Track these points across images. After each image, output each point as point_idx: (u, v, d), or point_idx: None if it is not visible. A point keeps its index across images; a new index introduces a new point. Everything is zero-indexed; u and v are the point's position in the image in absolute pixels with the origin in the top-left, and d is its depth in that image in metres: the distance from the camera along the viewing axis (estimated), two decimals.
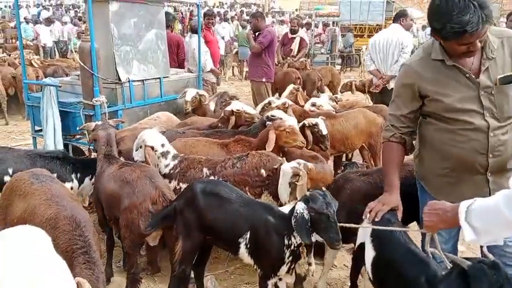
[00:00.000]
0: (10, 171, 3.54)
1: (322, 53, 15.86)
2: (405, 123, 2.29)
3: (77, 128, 4.50)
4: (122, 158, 3.57)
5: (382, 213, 2.26)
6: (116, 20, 4.89)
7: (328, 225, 2.30)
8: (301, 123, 4.32)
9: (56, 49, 16.61)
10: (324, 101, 5.56)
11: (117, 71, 4.92)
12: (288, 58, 9.30)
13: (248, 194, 3.23)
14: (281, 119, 4.04)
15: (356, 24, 18.24)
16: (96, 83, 4.53)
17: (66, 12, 22.96)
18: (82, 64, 4.50)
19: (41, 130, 4.91)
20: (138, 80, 5.18)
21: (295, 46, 9.54)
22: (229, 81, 14.17)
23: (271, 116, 4.12)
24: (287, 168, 3.09)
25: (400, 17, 6.15)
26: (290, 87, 6.00)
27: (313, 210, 2.32)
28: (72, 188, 3.71)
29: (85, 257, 2.25)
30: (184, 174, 3.40)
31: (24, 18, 17.08)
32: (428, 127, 2.28)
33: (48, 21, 16.94)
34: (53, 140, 4.58)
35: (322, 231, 2.34)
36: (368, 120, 4.87)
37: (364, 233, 2.53)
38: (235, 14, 24.56)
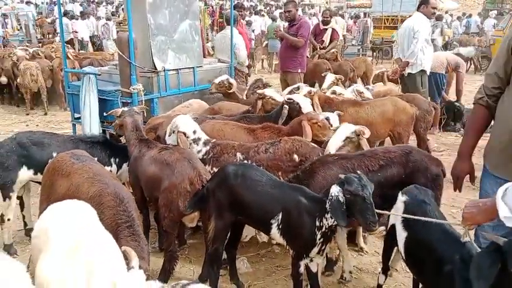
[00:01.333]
0: (54, 154, 3.72)
1: (353, 45, 15.63)
2: (497, 83, 2.28)
3: (104, 114, 4.69)
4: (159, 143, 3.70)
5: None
6: (152, 10, 5.02)
7: (364, 207, 2.32)
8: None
9: (90, 43, 17.09)
10: (339, 88, 5.55)
11: (153, 60, 5.05)
12: (319, 50, 9.22)
13: (281, 178, 3.27)
14: (297, 103, 4.08)
15: (388, 16, 17.89)
16: (134, 71, 4.69)
17: (97, 7, 23.49)
18: (120, 53, 4.67)
19: (80, 118, 5.12)
20: (173, 69, 5.32)
21: (327, 37, 9.47)
22: (258, 74, 14.22)
23: (288, 99, 4.15)
24: (348, 126, 3.37)
25: (422, 4, 6.29)
26: (332, 77, 5.97)
27: (348, 193, 2.35)
28: (111, 172, 3.87)
29: (130, 230, 2.38)
30: (217, 159, 3.48)
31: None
32: (502, 98, 2.28)
33: (84, 16, 17.44)
34: (90, 126, 4.77)
35: (358, 213, 2.37)
36: (397, 109, 4.82)
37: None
38: (266, 7, 24.53)
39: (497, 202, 1.67)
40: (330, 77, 5.92)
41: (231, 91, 5.52)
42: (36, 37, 18.43)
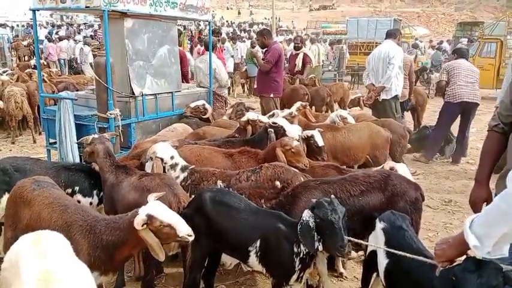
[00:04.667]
0: None
1: (329, 70, 15.98)
2: (510, 110, 2.27)
3: (74, 142, 4.64)
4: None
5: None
6: (130, 35, 5.05)
7: (333, 232, 2.31)
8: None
9: (67, 66, 16.95)
10: (344, 112, 5.71)
11: (130, 85, 5.07)
12: (298, 75, 9.40)
13: (263, 206, 3.25)
14: (281, 126, 4.13)
15: (364, 42, 18.44)
16: (111, 96, 4.66)
17: (79, 32, 23.46)
18: (97, 78, 4.64)
19: (55, 143, 5.01)
20: (151, 94, 5.32)
21: (299, 61, 9.73)
22: (237, 98, 14.32)
23: (273, 123, 4.20)
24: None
25: (391, 35, 6.64)
26: (297, 103, 6.06)
27: (317, 217, 2.34)
28: (91, 204, 3.75)
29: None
30: (196, 186, 3.43)
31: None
32: None
33: (62, 39, 17.36)
34: (70, 152, 4.68)
35: (327, 238, 2.36)
36: (373, 132, 4.98)
37: (375, 241, 2.56)
38: (246, 33, 24.96)
39: (465, 232, 1.68)
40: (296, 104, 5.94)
41: (205, 116, 5.61)
42: (11, 60, 18.17)
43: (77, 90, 7.85)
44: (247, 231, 2.63)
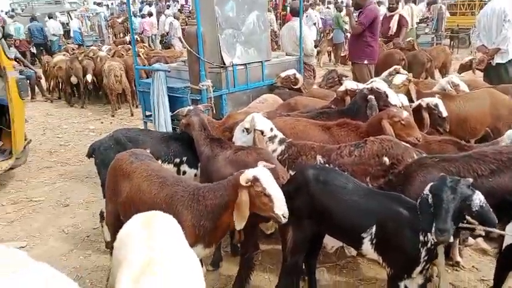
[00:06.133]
0: (148, 151, 3.54)
1: (426, 33, 14.54)
2: None
3: (168, 114, 4.59)
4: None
5: None
6: (219, 2, 4.84)
7: (437, 212, 2.01)
8: (416, 103, 3.92)
9: (158, 41, 17.56)
10: (456, 79, 4.88)
11: (221, 55, 4.89)
12: (395, 38, 8.60)
13: (369, 185, 2.93)
14: (384, 92, 3.66)
15: (464, 1, 16.44)
16: (203, 67, 4.53)
17: (168, 7, 24.13)
18: (189, 48, 4.52)
19: (151, 115, 5.07)
20: (241, 64, 5.12)
21: (393, 24, 8.85)
22: (324, 67, 13.73)
23: (376, 88, 3.73)
24: None
25: None
26: (402, 77, 5.38)
27: (432, 192, 2.06)
28: (196, 175, 3.70)
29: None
30: (294, 160, 3.19)
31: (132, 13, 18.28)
32: None
33: (152, 14, 17.98)
34: (163, 124, 4.71)
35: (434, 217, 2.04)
36: (496, 101, 4.26)
37: None
38: None
39: None
40: (400, 78, 4.78)
41: (296, 86, 5.31)
42: (108, 37, 19.31)
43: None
44: (359, 215, 2.31)
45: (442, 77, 7.89)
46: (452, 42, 15.29)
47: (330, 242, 2.98)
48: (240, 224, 2.34)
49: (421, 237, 2.14)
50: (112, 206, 2.92)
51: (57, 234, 4.19)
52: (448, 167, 2.57)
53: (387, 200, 2.29)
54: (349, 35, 14.44)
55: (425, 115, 3.71)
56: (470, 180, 2.08)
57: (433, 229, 2.03)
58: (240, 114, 4.29)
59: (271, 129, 3.31)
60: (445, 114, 3.74)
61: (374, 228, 2.25)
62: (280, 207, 2.28)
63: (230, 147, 3.18)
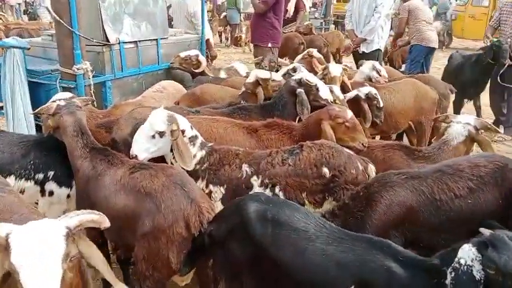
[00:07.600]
0: None
1: (316, 18, 14.79)
2: None
3: (29, 113, 3.52)
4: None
5: None
6: None
7: None
8: (352, 94, 3.45)
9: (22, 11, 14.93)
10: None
11: (103, 29, 3.90)
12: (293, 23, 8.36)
13: (306, 202, 2.38)
14: (317, 88, 3.13)
15: None
16: (77, 44, 3.50)
17: None
18: (57, 18, 3.39)
19: (2, 108, 3.79)
20: (130, 42, 4.17)
21: (291, 7, 8.61)
22: (216, 48, 12.99)
23: (306, 80, 3.17)
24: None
25: None
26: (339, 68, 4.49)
27: (493, 266, 1.34)
28: (68, 196, 2.70)
29: None
30: (215, 172, 2.46)
31: None
32: None
33: None
34: (24, 121, 3.49)
35: None
36: (419, 93, 4.05)
37: None
38: None
39: None
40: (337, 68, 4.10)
41: (198, 70, 4.64)
42: None
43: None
44: (328, 273, 1.59)
45: (336, 63, 7.80)
46: (336, 27, 15.85)
47: None
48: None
49: None
50: None
51: None
52: (418, 186, 2.06)
53: (370, 250, 1.59)
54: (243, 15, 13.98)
55: (365, 106, 3.32)
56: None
57: None
58: (130, 105, 3.42)
59: (192, 127, 2.53)
60: (381, 103, 3.42)
61: None
62: None
63: (122, 163, 2.23)
